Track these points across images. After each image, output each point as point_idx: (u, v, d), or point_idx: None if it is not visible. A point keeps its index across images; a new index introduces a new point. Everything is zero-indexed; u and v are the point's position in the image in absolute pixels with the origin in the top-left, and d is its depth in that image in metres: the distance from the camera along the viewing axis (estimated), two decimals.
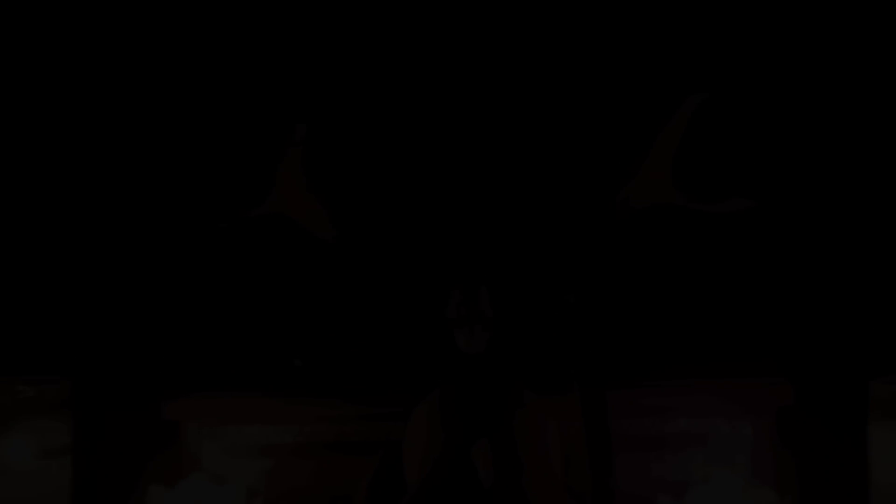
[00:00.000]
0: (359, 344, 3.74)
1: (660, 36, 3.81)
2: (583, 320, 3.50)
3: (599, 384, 3.32)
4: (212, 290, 3.85)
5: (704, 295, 3.84)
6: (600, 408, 3.31)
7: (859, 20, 3.77)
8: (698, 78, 3.76)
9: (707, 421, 3.67)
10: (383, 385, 3.66)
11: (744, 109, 3.82)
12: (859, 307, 3.83)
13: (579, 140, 3.85)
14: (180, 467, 3.63)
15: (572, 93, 3.84)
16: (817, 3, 3.70)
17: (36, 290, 3.82)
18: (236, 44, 3.86)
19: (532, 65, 3.85)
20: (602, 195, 3.63)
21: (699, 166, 3.64)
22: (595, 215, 3.64)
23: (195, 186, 3.84)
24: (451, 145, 3.86)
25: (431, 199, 3.83)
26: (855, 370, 3.66)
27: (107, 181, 3.86)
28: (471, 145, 3.86)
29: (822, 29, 3.72)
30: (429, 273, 3.62)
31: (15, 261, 3.83)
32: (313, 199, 3.58)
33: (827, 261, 3.85)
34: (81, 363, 3.71)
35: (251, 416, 3.69)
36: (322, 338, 3.79)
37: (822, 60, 3.78)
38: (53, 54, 3.84)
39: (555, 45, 3.85)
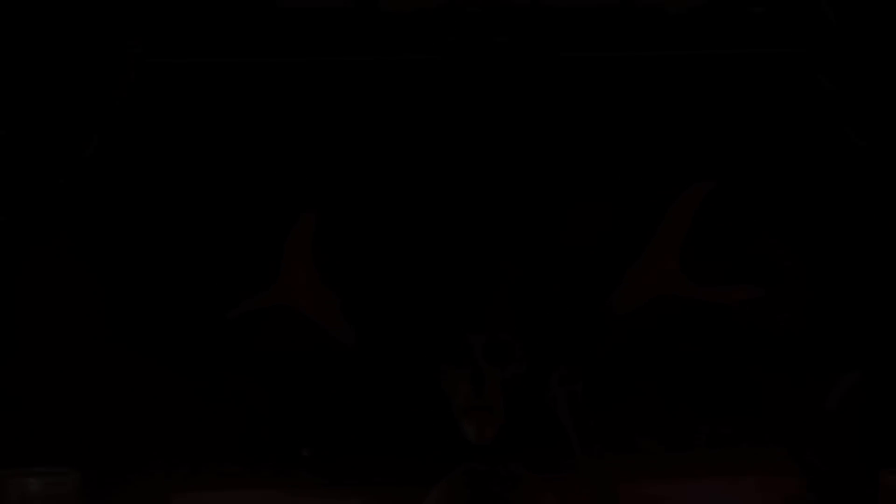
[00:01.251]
0: (367, 433, 3.73)
1: (665, 126, 3.83)
2: (589, 409, 3.50)
3: (605, 472, 3.32)
4: (218, 380, 3.84)
5: (711, 382, 3.83)
6: (607, 493, 3.31)
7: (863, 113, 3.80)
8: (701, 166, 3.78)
9: None
10: (392, 474, 3.65)
11: (747, 198, 3.84)
12: (869, 396, 3.83)
13: (585, 230, 3.87)
14: None
15: (578, 181, 3.87)
16: (822, 92, 3.71)
17: (42, 382, 3.82)
18: (244, 132, 3.87)
19: (538, 155, 3.87)
20: (607, 285, 3.65)
21: (706, 255, 3.66)
22: (600, 306, 3.66)
23: (202, 276, 3.85)
24: (460, 236, 3.87)
25: (438, 289, 3.84)
26: (865, 459, 3.65)
27: (109, 269, 3.87)
28: (478, 236, 3.87)
29: (827, 118, 3.74)
30: (434, 360, 3.63)
31: (20, 351, 3.83)
32: (322, 288, 3.59)
33: (835, 348, 3.86)
34: (90, 455, 3.69)
35: None
36: (330, 427, 3.78)
37: (829, 149, 3.79)
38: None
39: (560, 135, 3.87)
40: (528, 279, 3.81)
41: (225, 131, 3.84)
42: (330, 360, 3.74)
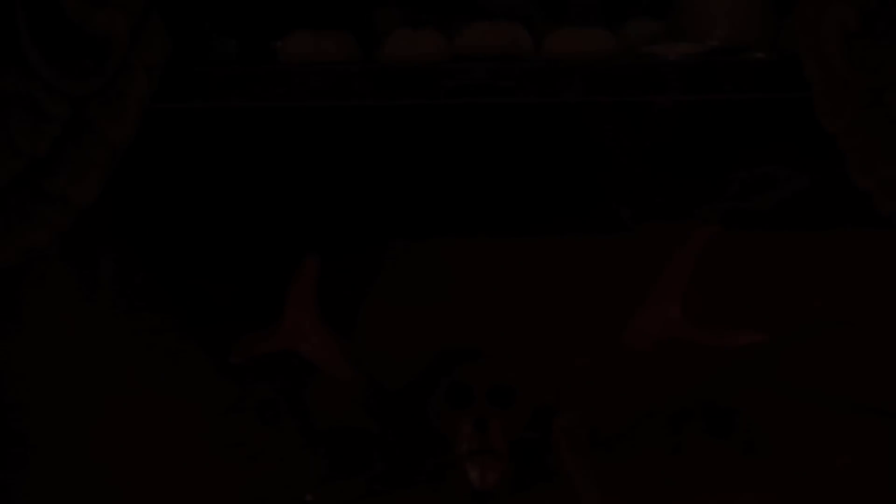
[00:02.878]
0: (370, 478, 3.72)
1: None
2: (592, 454, 3.50)
3: None
4: (221, 424, 3.84)
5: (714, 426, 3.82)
6: None
7: None
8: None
9: None
10: None
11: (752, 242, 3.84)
12: (870, 443, 3.82)
13: (587, 273, 3.87)
14: None
15: (579, 224, 3.87)
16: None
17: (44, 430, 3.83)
18: (247, 177, 3.89)
19: (539, 197, 3.88)
20: (609, 330, 3.65)
21: (708, 300, 3.66)
22: (604, 350, 3.66)
23: (205, 318, 3.85)
24: (461, 276, 3.88)
25: (441, 332, 3.84)
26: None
27: (110, 316, 3.87)
28: (478, 277, 3.88)
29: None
30: (436, 403, 3.63)
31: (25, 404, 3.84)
32: (326, 333, 3.59)
33: (841, 391, 3.85)
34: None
35: None
36: (333, 470, 3.78)
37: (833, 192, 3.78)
38: None
39: (561, 177, 3.88)
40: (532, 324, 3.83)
41: (228, 175, 3.86)
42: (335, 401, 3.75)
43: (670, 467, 3.76)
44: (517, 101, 3.43)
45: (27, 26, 3.06)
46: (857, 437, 3.82)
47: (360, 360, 3.65)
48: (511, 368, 3.63)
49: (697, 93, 3.43)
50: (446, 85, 3.47)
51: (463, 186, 3.85)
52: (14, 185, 3.14)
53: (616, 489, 3.39)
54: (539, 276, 3.86)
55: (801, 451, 3.82)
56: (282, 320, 3.56)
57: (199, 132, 3.79)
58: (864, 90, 3.25)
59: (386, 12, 3.75)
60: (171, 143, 3.77)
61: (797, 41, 3.32)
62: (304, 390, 3.78)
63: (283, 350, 3.59)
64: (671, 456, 3.78)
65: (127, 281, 3.84)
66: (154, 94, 3.31)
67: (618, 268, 3.80)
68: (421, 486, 3.65)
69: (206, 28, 3.62)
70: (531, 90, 3.40)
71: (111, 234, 3.82)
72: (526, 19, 3.56)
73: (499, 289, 3.87)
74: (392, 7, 3.75)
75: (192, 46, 3.55)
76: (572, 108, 3.75)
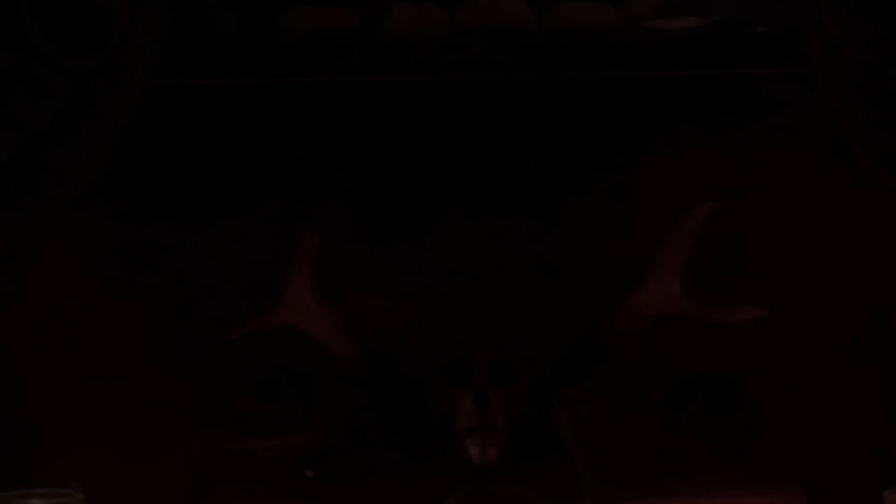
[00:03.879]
0: (371, 454, 3.72)
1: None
2: (592, 429, 3.50)
3: (610, 492, 3.31)
4: (219, 401, 3.84)
5: (714, 401, 3.83)
6: None
7: None
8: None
9: None
10: (395, 495, 3.64)
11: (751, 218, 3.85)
12: (872, 417, 3.83)
13: (587, 249, 3.88)
14: None
15: (580, 200, 3.87)
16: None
17: (46, 400, 3.83)
18: (247, 153, 3.88)
19: (539, 173, 3.88)
20: (608, 306, 3.66)
21: (708, 275, 3.67)
22: (604, 325, 3.66)
23: (206, 295, 3.85)
24: (461, 253, 3.88)
25: (442, 310, 3.85)
26: (868, 480, 3.64)
27: (112, 294, 3.87)
28: (479, 253, 3.88)
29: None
30: (437, 379, 3.63)
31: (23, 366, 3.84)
32: (326, 308, 3.59)
33: (840, 366, 3.86)
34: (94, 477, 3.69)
35: None
36: (332, 447, 3.78)
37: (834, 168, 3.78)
38: None
39: (562, 153, 3.88)
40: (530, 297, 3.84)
41: (228, 152, 3.86)
42: (334, 378, 3.75)
43: (670, 444, 3.76)
44: (518, 77, 3.43)
45: (28, 1, 3.05)
46: (855, 411, 3.85)
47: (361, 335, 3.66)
48: (513, 343, 3.64)
49: (699, 67, 3.44)
50: (446, 60, 3.47)
51: (465, 161, 3.86)
52: (15, 160, 3.13)
53: (616, 465, 3.39)
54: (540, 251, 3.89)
55: (800, 427, 3.84)
56: (282, 296, 3.56)
57: (199, 107, 3.79)
58: (865, 65, 3.24)
59: None
60: (170, 118, 3.78)
61: (798, 16, 3.32)
62: (304, 367, 3.78)
63: (284, 326, 3.60)
64: (671, 432, 3.78)
65: (127, 257, 3.84)
66: (154, 69, 3.30)
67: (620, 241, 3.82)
68: (421, 462, 3.65)
69: (206, 3, 3.62)
70: (533, 65, 3.40)
71: (110, 210, 3.82)
72: None
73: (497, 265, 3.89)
74: None
75: (193, 22, 3.54)
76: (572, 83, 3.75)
